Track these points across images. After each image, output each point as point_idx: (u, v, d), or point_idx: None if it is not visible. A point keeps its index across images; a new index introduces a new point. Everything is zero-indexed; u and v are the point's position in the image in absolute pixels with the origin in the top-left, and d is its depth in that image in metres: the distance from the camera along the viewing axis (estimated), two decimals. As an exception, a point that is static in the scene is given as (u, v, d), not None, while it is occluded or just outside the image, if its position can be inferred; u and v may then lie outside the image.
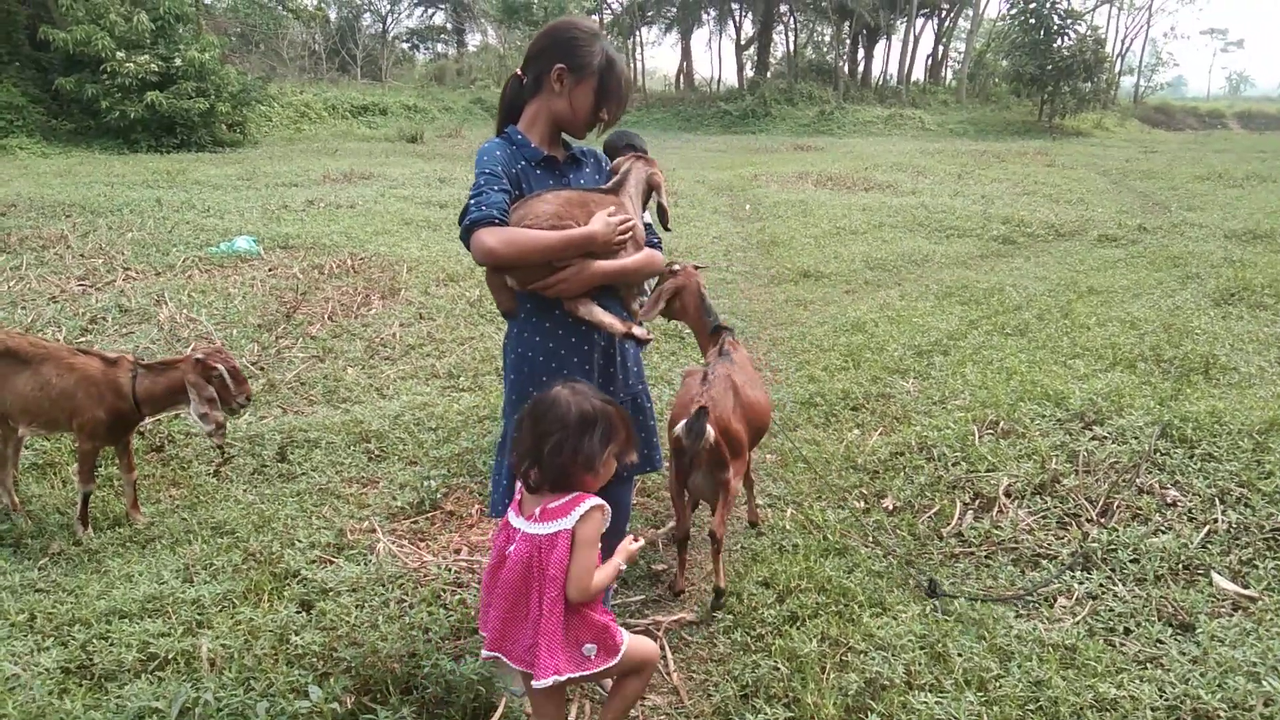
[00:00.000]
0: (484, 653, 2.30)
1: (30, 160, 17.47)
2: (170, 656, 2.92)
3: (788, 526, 4.04)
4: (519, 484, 2.30)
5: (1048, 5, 34.75)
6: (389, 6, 47.05)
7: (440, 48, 52.70)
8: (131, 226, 10.01)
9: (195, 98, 20.60)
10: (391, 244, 9.71)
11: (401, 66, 47.26)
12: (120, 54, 19.71)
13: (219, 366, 3.98)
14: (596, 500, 2.22)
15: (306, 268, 8.52)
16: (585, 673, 2.23)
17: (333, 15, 41.61)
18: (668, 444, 3.41)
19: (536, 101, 2.62)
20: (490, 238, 2.39)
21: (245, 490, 4.47)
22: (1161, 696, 2.74)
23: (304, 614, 3.20)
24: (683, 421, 3.21)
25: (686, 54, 47.39)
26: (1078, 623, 3.21)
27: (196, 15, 22.71)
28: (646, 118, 37.89)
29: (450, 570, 3.54)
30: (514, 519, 2.27)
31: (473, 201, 2.47)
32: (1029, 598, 3.39)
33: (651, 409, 2.98)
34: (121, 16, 19.95)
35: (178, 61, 20.60)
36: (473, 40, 52.30)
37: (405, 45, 51.18)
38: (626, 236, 2.57)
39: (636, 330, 2.61)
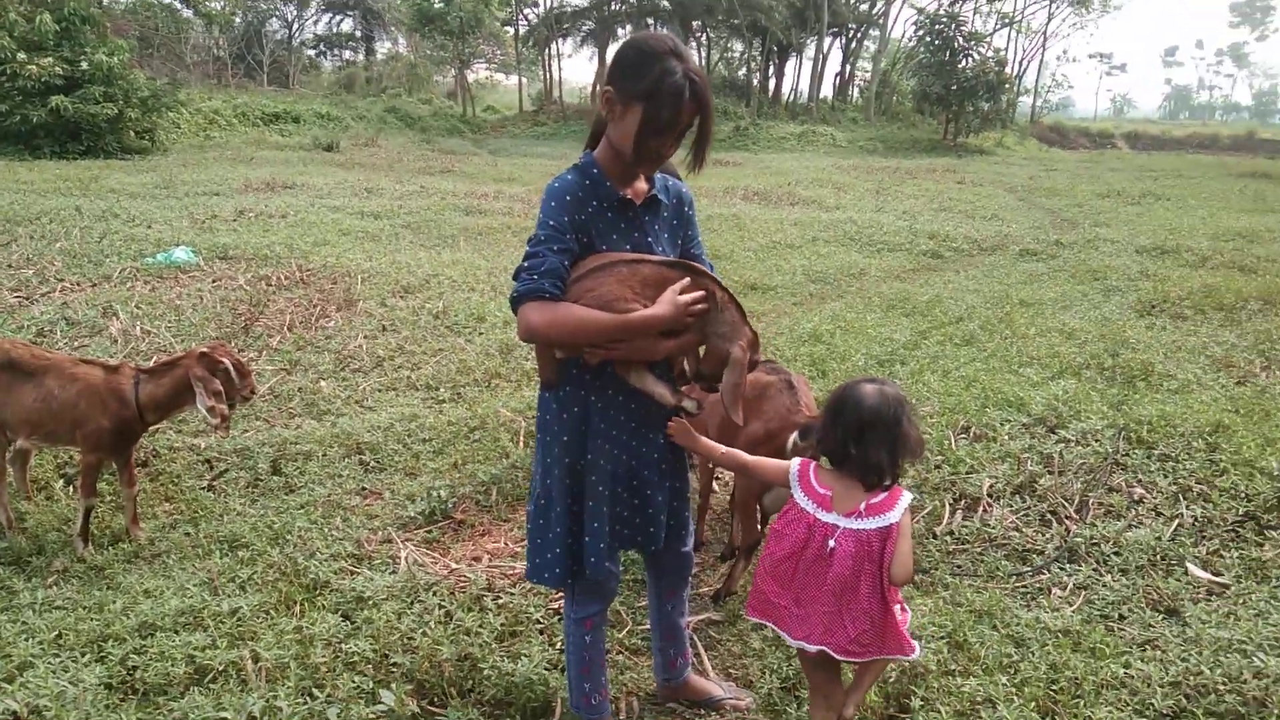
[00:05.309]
0: (808, 646, 2.38)
1: (-76, 166, 16.58)
2: (221, 668, 2.92)
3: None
4: (814, 477, 2.40)
5: (952, 28, 36.12)
6: (295, 12, 46.00)
7: (348, 55, 51.80)
8: (57, 236, 9.63)
9: (103, 103, 19.77)
10: (336, 255, 9.58)
11: (309, 74, 46.32)
12: (21, 55, 18.84)
13: (224, 360, 3.99)
14: (910, 494, 2.37)
15: (252, 279, 8.37)
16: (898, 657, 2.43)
17: (237, 20, 40.47)
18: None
19: (610, 127, 2.32)
20: (536, 315, 2.17)
21: (244, 503, 4.43)
22: (1165, 674, 2.99)
23: (346, 623, 3.23)
24: (796, 431, 3.21)
25: (602, 67, 47.63)
26: (1075, 610, 3.47)
27: (102, 18, 21.80)
28: (563, 130, 38.03)
29: (483, 576, 3.59)
30: (826, 516, 2.35)
31: (526, 265, 2.22)
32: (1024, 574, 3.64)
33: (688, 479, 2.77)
34: (23, 17, 19.07)
35: (84, 65, 19.77)
36: (381, 48, 51.63)
37: (311, 52, 50.13)
38: (693, 321, 2.32)
39: (687, 404, 2.44)
